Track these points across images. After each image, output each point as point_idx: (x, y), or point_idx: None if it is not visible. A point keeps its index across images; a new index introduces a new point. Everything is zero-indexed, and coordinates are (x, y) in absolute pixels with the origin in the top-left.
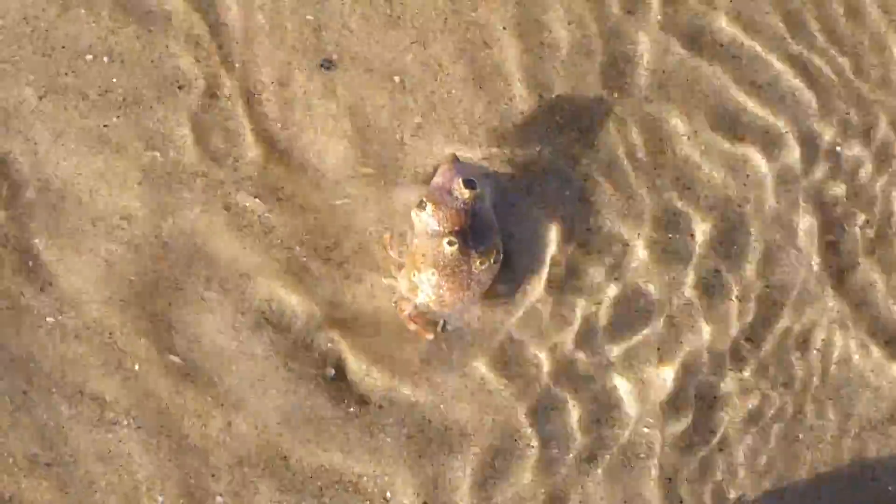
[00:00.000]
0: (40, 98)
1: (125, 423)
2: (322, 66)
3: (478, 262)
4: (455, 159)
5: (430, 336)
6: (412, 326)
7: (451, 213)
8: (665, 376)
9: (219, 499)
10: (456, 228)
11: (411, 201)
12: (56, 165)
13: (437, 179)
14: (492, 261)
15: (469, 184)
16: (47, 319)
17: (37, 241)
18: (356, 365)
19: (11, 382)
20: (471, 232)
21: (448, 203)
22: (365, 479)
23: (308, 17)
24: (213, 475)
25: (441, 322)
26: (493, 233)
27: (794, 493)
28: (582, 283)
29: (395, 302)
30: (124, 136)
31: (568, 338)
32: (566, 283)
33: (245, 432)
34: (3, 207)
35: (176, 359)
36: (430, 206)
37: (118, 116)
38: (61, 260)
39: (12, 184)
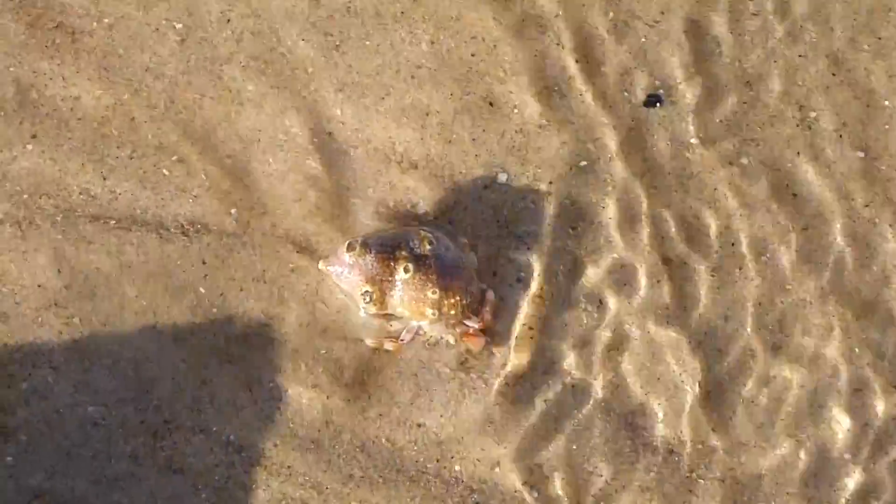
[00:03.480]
0: None
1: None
2: (648, 102)
3: (426, 246)
4: (333, 254)
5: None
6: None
7: (380, 267)
8: None
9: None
10: (397, 267)
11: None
12: None
13: (340, 270)
14: (430, 237)
15: (351, 245)
16: None
17: None
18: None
19: None
20: (398, 249)
21: (370, 268)
22: None
23: None
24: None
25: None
26: (402, 234)
27: None
28: None
29: (378, 348)
30: None
31: None
32: None
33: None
34: None
35: None
36: (367, 288)
37: None
38: None
39: None
